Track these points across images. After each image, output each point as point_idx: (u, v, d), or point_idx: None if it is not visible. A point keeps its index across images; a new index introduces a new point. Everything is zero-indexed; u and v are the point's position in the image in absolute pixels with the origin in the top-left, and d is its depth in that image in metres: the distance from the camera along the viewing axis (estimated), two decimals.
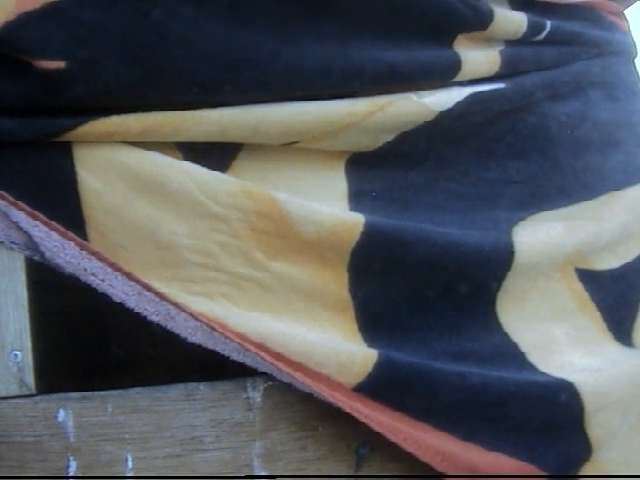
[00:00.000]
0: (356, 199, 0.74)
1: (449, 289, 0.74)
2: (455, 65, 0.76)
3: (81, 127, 0.65)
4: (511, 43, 0.80)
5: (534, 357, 0.76)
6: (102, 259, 0.66)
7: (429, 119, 0.75)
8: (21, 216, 0.65)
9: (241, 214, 0.69)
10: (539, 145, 0.82)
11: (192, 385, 0.69)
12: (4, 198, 0.65)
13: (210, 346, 0.67)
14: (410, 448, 0.70)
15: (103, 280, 0.66)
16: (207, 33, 0.67)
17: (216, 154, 0.71)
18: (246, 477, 0.69)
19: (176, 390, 0.68)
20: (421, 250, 0.72)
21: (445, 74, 0.76)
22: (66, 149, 0.66)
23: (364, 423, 0.69)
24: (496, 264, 0.75)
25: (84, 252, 0.66)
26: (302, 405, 0.70)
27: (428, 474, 0.71)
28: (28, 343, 0.66)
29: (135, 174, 0.67)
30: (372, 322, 0.72)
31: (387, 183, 0.76)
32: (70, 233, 0.66)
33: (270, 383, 0.69)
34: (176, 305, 0.67)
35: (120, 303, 0.66)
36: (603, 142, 0.85)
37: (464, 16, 0.76)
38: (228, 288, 0.69)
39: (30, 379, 0.66)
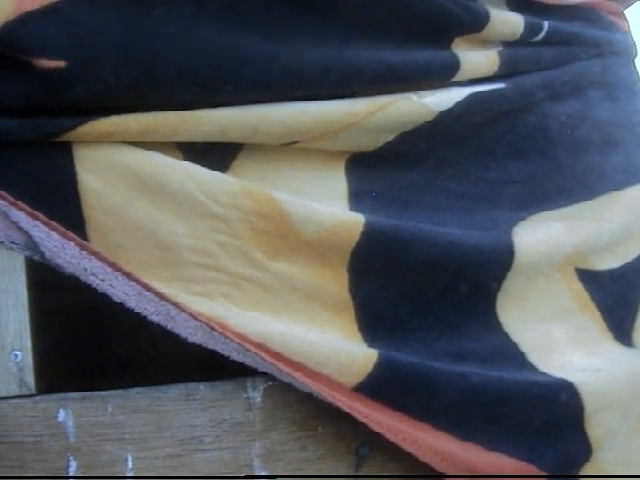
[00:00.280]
0: (356, 199, 0.74)
1: (449, 289, 0.74)
2: (453, 65, 0.76)
3: (81, 127, 0.65)
4: (509, 44, 0.80)
5: (534, 357, 0.76)
6: (102, 259, 0.66)
7: (429, 119, 0.75)
8: (21, 216, 0.65)
9: (241, 214, 0.69)
10: (539, 145, 0.82)
11: (192, 385, 0.69)
12: (4, 198, 0.65)
13: (210, 346, 0.67)
14: (410, 448, 0.70)
15: (103, 280, 0.66)
16: (207, 33, 0.67)
17: (216, 154, 0.71)
18: (246, 477, 0.69)
19: (176, 390, 0.68)
20: (421, 250, 0.72)
21: (444, 74, 0.76)
22: (66, 149, 0.66)
23: (364, 423, 0.69)
24: (496, 264, 0.75)
25: (84, 252, 0.66)
26: (302, 405, 0.70)
27: (428, 474, 0.71)
28: (28, 343, 0.66)
29: (135, 174, 0.67)
30: (372, 322, 0.72)
31: (387, 183, 0.76)
32: (70, 233, 0.66)
33: (270, 383, 0.69)
34: (176, 305, 0.67)
35: (120, 303, 0.66)
36: (603, 142, 0.85)
37: (459, 18, 0.76)
38: (228, 288, 0.69)
39: (30, 379, 0.66)
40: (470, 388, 0.72)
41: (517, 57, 0.80)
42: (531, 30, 0.80)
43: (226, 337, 0.67)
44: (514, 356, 0.76)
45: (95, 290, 0.65)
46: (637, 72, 0.92)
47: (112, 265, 0.66)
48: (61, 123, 0.65)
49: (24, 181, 0.66)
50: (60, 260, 0.65)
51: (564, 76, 0.83)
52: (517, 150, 0.81)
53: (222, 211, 0.68)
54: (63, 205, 0.66)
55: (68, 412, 0.66)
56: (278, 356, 0.68)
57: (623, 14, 0.92)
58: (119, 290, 0.66)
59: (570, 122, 0.83)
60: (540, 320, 0.79)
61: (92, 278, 0.66)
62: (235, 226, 0.69)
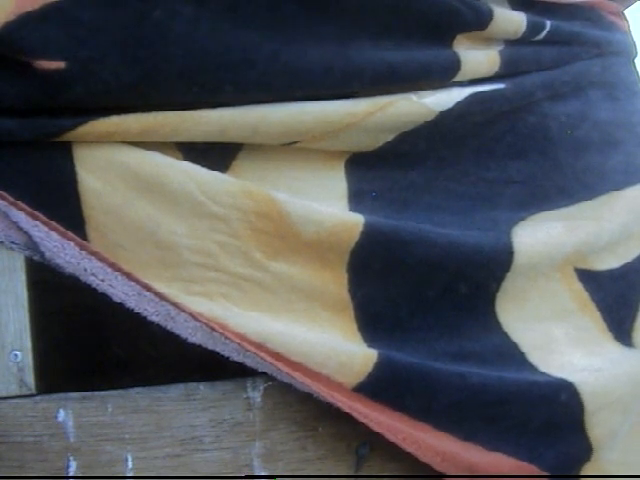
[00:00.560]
0: (356, 199, 0.74)
1: (449, 289, 0.74)
2: (454, 65, 0.76)
3: (81, 127, 0.65)
4: (510, 43, 0.80)
5: (534, 357, 0.76)
6: (102, 259, 0.66)
7: (429, 119, 0.75)
8: (21, 216, 0.65)
9: (241, 214, 0.69)
10: (539, 145, 0.82)
11: (192, 385, 0.69)
12: (4, 198, 0.65)
13: (210, 346, 0.67)
14: (410, 448, 0.70)
15: (103, 280, 0.66)
16: (207, 33, 0.67)
17: (216, 154, 0.71)
18: (246, 477, 0.69)
19: (176, 390, 0.68)
20: (421, 250, 0.72)
21: (445, 74, 0.76)
22: (66, 149, 0.66)
23: (364, 423, 0.69)
24: (496, 264, 0.75)
25: (84, 252, 0.66)
26: (302, 405, 0.70)
27: (428, 474, 0.71)
28: (28, 343, 0.66)
29: (135, 174, 0.67)
30: (372, 322, 0.72)
31: (387, 183, 0.76)
32: (70, 233, 0.66)
33: (270, 383, 0.69)
34: (176, 305, 0.67)
35: (120, 303, 0.66)
36: (603, 142, 0.85)
37: (463, 16, 0.76)
38: (228, 288, 0.69)
39: (30, 379, 0.66)
40: (470, 388, 0.72)
41: (518, 57, 0.80)
42: (533, 29, 0.80)
43: (226, 337, 0.67)
44: (514, 356, 0.76)
45: (95, 290, 0.65)
46: (637, 72, 0.92)
47: (112, 265, 0.66)
48: (61, 123, 0.65)
49: (24, 181, 0.66)
50: (60, 260, 0.65)
51: (564, 76, 0.83)
52: (517, 150, 0.81)
53: (222, 211, 0.68)
54: (63, 205, 0.66)
55: (68, 412, 0.66)
56: (278, 356, 0.68)
57: (623, 14, 0.92)
58: (119, 290, 0.66)
59: (570, 122, 0.83)
60: (540, 320, 0.78)
61: (92, 278, 0.66)
62: (235, 226, 0.69)
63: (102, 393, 0.67)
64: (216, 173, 0.69)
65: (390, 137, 0.75)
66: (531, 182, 0.81)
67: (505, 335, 0.76)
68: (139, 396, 0.68)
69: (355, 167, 0.76)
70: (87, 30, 0.64)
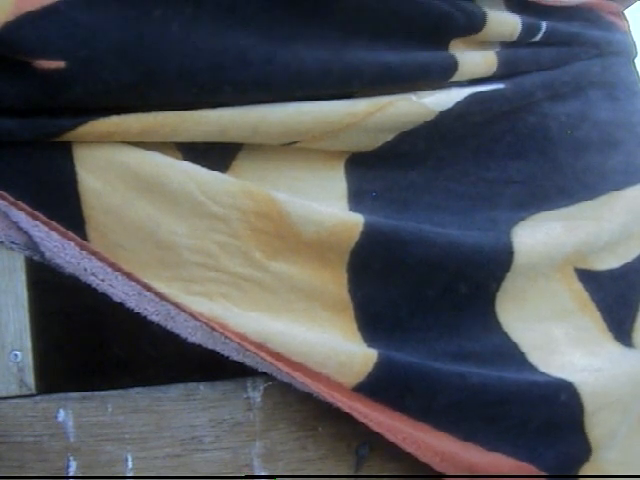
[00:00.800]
0: (356, 199, 0.74)
1: (449, 289, 0.74)
2: (452, 66, 0.76)
3: (81, 127, 0.65)
4: (507, 45, 0.80)
5: (534, 357, 0.76)
6: (102, 259, 0.66)
7: (429, 119, 0.75)
8: (21, 216, 0.65)
9: (241, 214, 0.69)
10: (539, 145, 0.82)
11: (192, 385, 0.69)
12: (4, 198, 0.65)
13: (210, 346, 0.67)
14: (410, 448, 0.70)
15: (103, 280, 0.66)
16: (206, 33, 0.67)
17: (216, 154, 0.71)
18: (246, 477, 0.69)
19: (176, 390, 0.68)
20: (421, 250, 0.72)
21: (442, 74, 0.76)
22: (66, 149, 0.66)
23: (364, 423, 0.69)
24: (496, 264, 0.75)
25: (84, 252, 0.66)
26: (302, 405, 0.70)
27: (428, 474, 0.71)
28: (28, 343, 0.66)
29: (135, 174, 0.67)
30: (372, 322, 0.72)
31: (387, 183, 0.76)
32: (70, 233, 0.66)
33: (270, 383, 0.69)
34: (176, 305, 0.67)
35: (120, 303, 0.66)
36: (603, 142, 0.85)
37: (457, 20, 0.76)
38: (228, 288, 0.69)
39: (30, 379, 0.66)
40: (470, 388, 0.72)
41: (516, 57, 0.80)
42: (529, 31, 0.80)
43: (226, 337, 0.67)
44: (514, 356, 0.76)
45: (95, 290, 0.65)
46: (637, 72, 0.92)
47: (112, 265, 0.66)
48: (61, 123, 0.65)
49: (24, 181, 0.66)
50: (60, 260, 0.65)
51: (564, 76, 0.83)
52: (517, 150, 0.81)
53: (222, 211, 0.68)
54: (63, 205, 0.66)
55: (68, 412, 0.66)
56: (278, 356, 0.68)
57: (623, 14, 0.92)
58: (119, 290, 0.66)
59: (570, 122, 0.83)
60: (540, 320, 0.78)
61: (92, 278, 0.66)
62: (235, 226, 0.69)
63: (102, 393, 0.67)
64: (216, 173, 0.69)
65: (390, 137, 0.75)
66: (531, 182, 0.81)
67: (505, 335, 0.76)
68: (139, 396, 0.68)
69: (355, 167, 0.76)
70: (87, 30, 0.64)
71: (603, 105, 0.86)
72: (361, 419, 0.69)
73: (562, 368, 0.76)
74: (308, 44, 0.70)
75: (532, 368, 0.76)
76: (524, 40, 0.80)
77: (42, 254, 0.65)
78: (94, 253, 0.66)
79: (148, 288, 0.67)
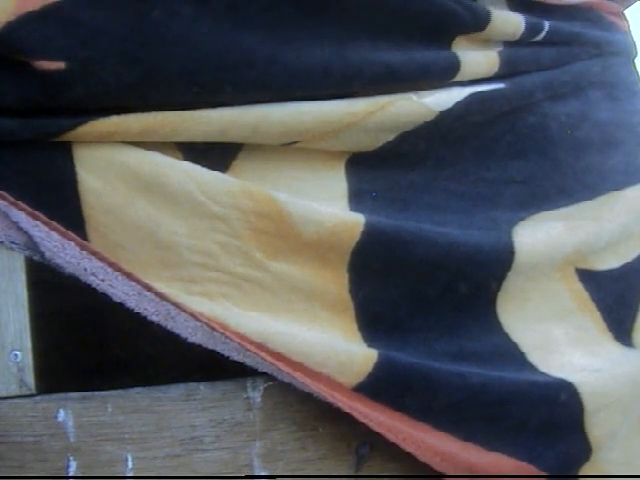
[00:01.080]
0: (356, 199, 0.74)
1: (449, 289, 0.74)
2: (454, 66, 0.76)
3: (81, 127, 0.65)
4: (509, 44, 0.80)
5: (534, 357, 0.76)
6: (102, 259, 0.66)
7: (429, 119, 0.75)
8: (21, 216, 0.65)
9: (241, 214, 0.69)
10: (539, 145, 0.82)
11: (192, 385, 0.69)
12: (4, 198, 0.65)
13: (210, 346, 0.67)
14: (410, 448, 0.70)
15: (103, 280, 0.66)
16: (207, 33, 0.67)
17: (216, 154, 0.71)
18: (246, 477, 0.69)
19: (176, 390, 0.68)
20: (421, 250, 0.72)
21: (444, 74, 0.76)
22: (66, 149, 0.66)
23: (364, 423, 0.69)
24: (496, 264, 0.75)
25: (84, 252, 0.66)
26: (302, 405, 0.70)
27: (428, 474, 0.71)
28: (28, 343, 0.66)
29: (135, 174, 0.67)
30: (372, 322, 0.72)
31: (387, 183, 0.76)
32: (70, 233, 0.66)
33: (270, 383, 0.69)
34: (176, 305, 0.67)
35: (120, 303, 0.66)
36: (603, 142, 0.85)
37: (461, 18, 0.76)
38: (228, 288, 0.69)
39: (30, 379, 0.66)
40: (470, 388, 0.72)
41: (517, 57, 0.80)
42: (532, 30, 0.80)
43: (226, 337, 0.67)
44: (514, 356, 0.76)
45: (95, 290, 0.65)
46: (637, 72, 0.92)
47: (112, 265, 0.66)
48: (61, 123, 0.65)
49: (24, 181, 0.66)
50: (60, 260, 0.65)
51: (564, 76, 0.83)
52: (517, 150, 0.81)
53: (222, 211, 0.68)
54: (63, 205, 0.66)
55: (68, 412, 0.66)
56: (278, 356, 0.68)
57: (623, 14, 0.92)
58: (119, 290, 0.66)
59: (570, 122, 0.83)
60: (540, 320, 0.79)
61: (92, 278, 0.66)
62: (235, 226, 0.69)
63: (102, 393, 0.67)
64: (216, 173, 0.69)
65: (390, 137, 0.75)
66: (531, 182, 0.81)
67: (505, 335, 0.76)
68: (139, 396, 0.68)
69: (355, 167, 0.76)
70: (87, 30, 0.64)
71: (603, 105, 0.86)
72: (361, 419, 0.69)
73: (562, 368, 0.76)
74: (309, 44, 0.70)
75: (532, 368, 0.76)
76: (526, 39, 0.80)
77: (42, 254, 0.65)
78: (94, 253, 0.66)
79: (148, 288, 0.67)
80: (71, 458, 0.66)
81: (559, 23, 0.82)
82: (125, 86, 0.65)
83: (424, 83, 0.75)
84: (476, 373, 0.72)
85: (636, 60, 0.93)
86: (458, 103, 0.76)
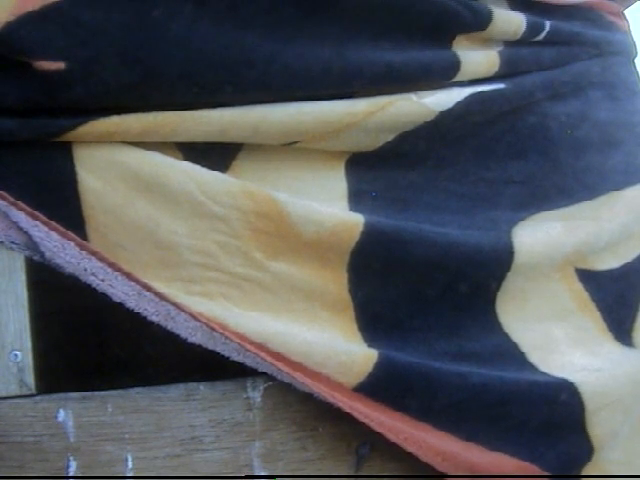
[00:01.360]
0: (356, 199, 0.74)
1: (449, 289, 0.74)
2: (454, 65, 0.76)
3: (81, 127, 0.65)
4: (510, 44, 0.80)
5: (534, 357, 0.76)
6: (102, 259, 0.66)
7: (429, 119, 0.75)
8: (21, 216, 0.65)
9: (241, 214, 0.69)
10: (539, 145, 0.82)
11: (192, 385, 0.69)
12: (4, 198, 0.65)
13: (210, 346, 0.67)
14: (411, 448, 0.69)
15: (103, 280, 0.66)
16: (207, 34, 0.67)
17: (216, 154, 0.71)
18: (246, 477, 0.69)
19: (176, 390, 0.68)
20: (421, 250, 0.72)
21: (444, 74, 0.76)
22: (66, 149, 0.66)
23: (364, 423, 0.69)
24: (496, 264, 0.75)
25: (84, 252, 0.66)
26: (302, 405, 0.70)
27: (429, 474, 0.71)
28: (28, 343, 0.66)
29: (135, 174, 0.67)
30: (372, 322, 0.72)
31: (387, 183, 0.76)
32: (70, 233, 0.66)
33: (270, 383, 0.69)
34: (176, 305, 0.67)
35: (120, 303, 0.66)
36: (603, 142, 0.85)
37: (463, 17, 0.76)
38: (228, 288, 0.69)
39: (30, 379, 0.66)
40: (470, 388, 0.72)
41: (518, 57, 0.80)
42: (533, 30, 0.80)
43: (226, 337, 0.67)
44: (514, 356, 0.76)
45: (95, 290, 0.65)
46: (637, 72, 0.92)
47: (112, 265, 0.66)
48: (61, 123, 0.65)
49: (24, 181, 0.66)
50: (60, 260, 0.65)
51: (564, 76, 0.83)
52: (517, 150, 0.81)
53: (222, 211, 0.68)
54: (63, 205, 0.66)
55: (68, 412, 0.66)
56: (278, 356, 0.68)
57: (623, 14, 0.92)
58: (119, 290, 0.66)
59: (570, 122, 0.83)
60: (540, 320, 0.78)
61: (92, 278, 0.66)
62: (235, 226, 0.69)
63: (102, 393, 0.67)
64: (216, 173, 0.69)
65: (390, 137, 0.75)
66: (531, 182, 0.81)
67: (505, 335, 0.76)
68: (139, 396, 0.67)
69: (355, 167, 0.76)
70: (87, 30, 0.64)
71: (603, 105, 0.86)
72: (362, 419, 0.69)
73: (562, 368, 0.76)
74: (309, 44, 0.70)
75: (532, 368, 0.76)
76: (527, 39, 0.80)
77: (42, 254, 0.65)
78: (94, 253, 0.66)
79: (148, 288, 0.67)
80: (71, 458, 0.66)
81: (559, 23, 0.82)
82: (125, 86, 0.65)
83: (424, 83, 0.75)
84: (476, 373, 0.72)
85: (636, 60, 0.93)
86: (458, 103, 0.76)
